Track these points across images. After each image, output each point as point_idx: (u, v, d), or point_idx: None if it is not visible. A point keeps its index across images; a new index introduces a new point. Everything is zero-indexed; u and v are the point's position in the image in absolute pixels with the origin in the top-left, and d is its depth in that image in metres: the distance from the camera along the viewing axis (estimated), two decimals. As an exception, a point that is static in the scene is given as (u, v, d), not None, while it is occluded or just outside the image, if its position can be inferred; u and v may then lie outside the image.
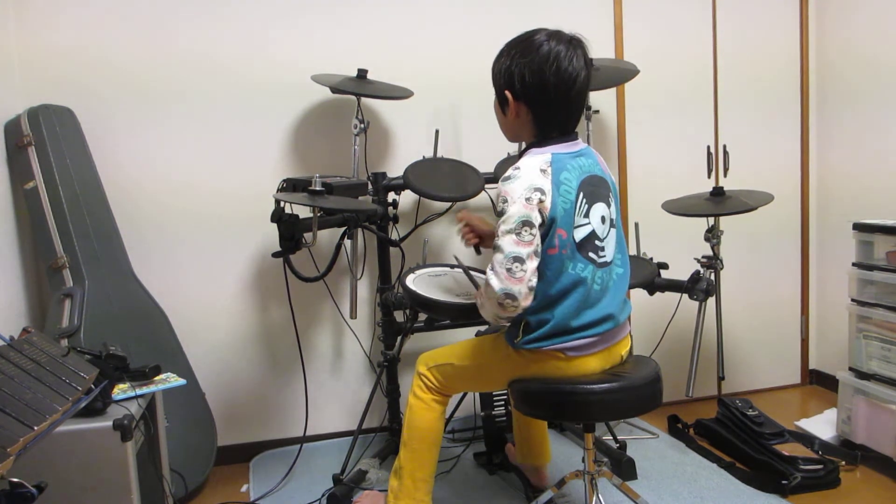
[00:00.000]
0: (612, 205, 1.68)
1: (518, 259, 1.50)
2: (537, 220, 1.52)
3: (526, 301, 1.53)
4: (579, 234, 1.59)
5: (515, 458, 2.27)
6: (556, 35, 1.61)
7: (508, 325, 1.70)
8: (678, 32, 2.91)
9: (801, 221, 3.13)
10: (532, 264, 1.52)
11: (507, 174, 1.58)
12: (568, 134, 1.66)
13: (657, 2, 2.87)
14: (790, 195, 3.09)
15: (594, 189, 1.63)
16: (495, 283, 1.51)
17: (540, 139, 1.65)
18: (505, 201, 1.54)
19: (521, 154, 1.68)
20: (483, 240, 1.93)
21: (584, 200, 1.60)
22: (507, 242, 1.52)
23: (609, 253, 1.66)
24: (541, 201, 1.53)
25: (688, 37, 2.92)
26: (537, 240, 1.53)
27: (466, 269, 2.04)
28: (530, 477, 2.22)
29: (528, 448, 2.18)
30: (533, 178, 1.54)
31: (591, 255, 1.61)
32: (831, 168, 3.02)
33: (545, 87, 1.59)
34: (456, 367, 1.83)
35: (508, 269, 1.51)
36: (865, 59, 2.80)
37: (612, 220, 1.67)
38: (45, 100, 2.31)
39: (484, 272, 2.10)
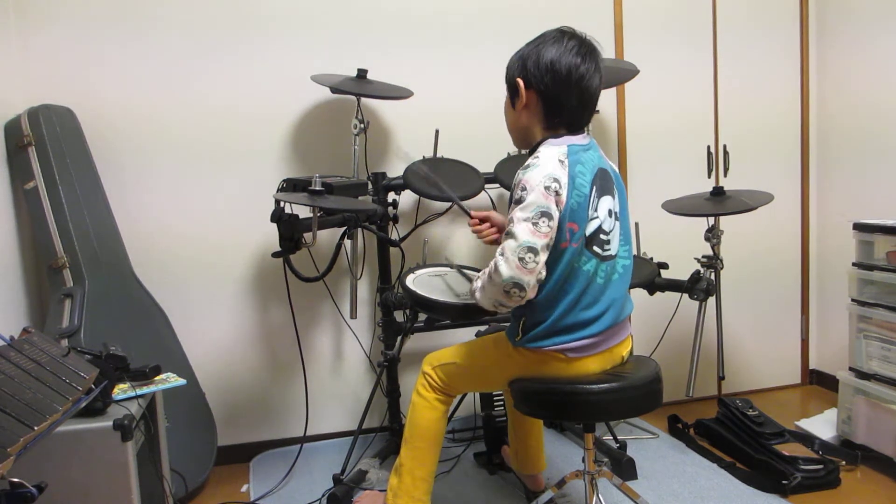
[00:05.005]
0: (617, 197, 1.68)
1: (532, 249, 1.48)
2: (555, 213, 1.51)
3: (532, 293, 1.52)
4: (589, 228, 1.59)
5: (511, 464, 2.27)
6: (570, 32, 1.63)
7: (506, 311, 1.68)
8: (678, 32, 2.91)
9: (802, 221, 3.13)
10: (544, 257, 1.51)
11: (526, 163, 1.57)
12: (576, 130, 1.65)
13: (657, 1, 2.87)
14: (791, 198, 3.10)
15: (603, 182, 1.63)
16: (504, 270, 1.48)
17: (548, 131, 1.64)
18: (524, 189, 1.52)
19: (535, 146, 1.66)
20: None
21: (596, 194, 1.60)
22: (523, 230, 1.49)
23: (614, 246, 1.65)
24: (557, 193, 1.52)
25: (688, 36, 2.92)
26: (552, 233, 1.52)
27: (460, 269, 2.04)
28: (527, 483, 2.21)
29: (525, 457, 2.17)
30: (552, 168, 1.54)
31: (597, 248, 1.61)
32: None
33: (557, 72, 1.58)
34: (459, 367, 1.83)
35: (521, 259, 1.48)
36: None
37: (616, 212, 1.66)
38: (46, 100, 2.31)
39: (478, 270, 2.11)
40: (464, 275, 2.01)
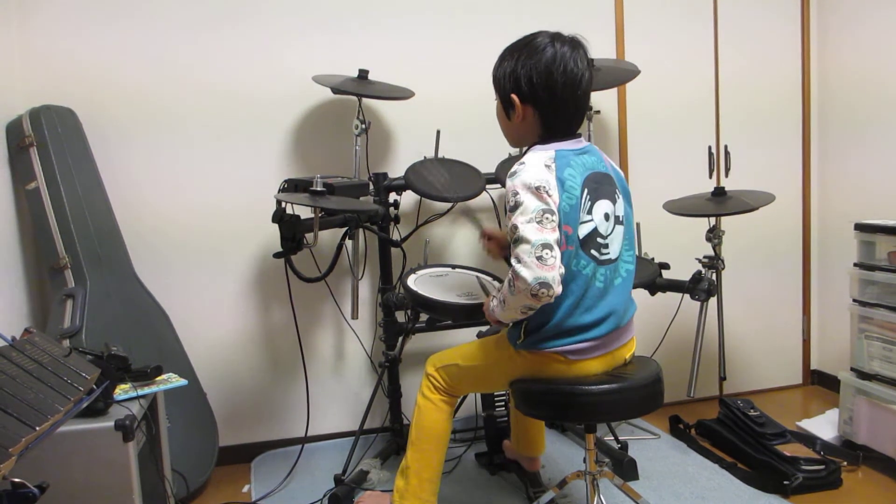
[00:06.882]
0: (619, 201, 1.67)
1: (547, 246, 1.47)
2: (555, 209, 1.51)
3: (558, 288, 1.49)
4: (582, 231, 1.58)
5: (512, 448, 2.28)
6: (559, 37, 1.62)
7: (509, 326, 1.70)
8: (679, 32, 2.90)
9: (803, 221, 3.12)
10: (559, 252, 1.50)
11: (513, 169, 1.57)
12: (571, 134, 1.65)
13: (658, 1, 2.87)
14: (792, 200, 3.10)
15: (598, 186, 1.62)
16: (527, 274, 1.45)
17: (544, 140, 1.64)
18: (516, 194, 1.52)
19: (523, 152, 1.68)
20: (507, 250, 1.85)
21: (588, 197, 1.59)
22: (531, 231, 1.48)
23: (614, 250, 1.64)
24: (548, 194, 1.52)
25: (689, 36, 2.92)
26: (558, 230, 1.51)
27: (480, 280, 2.04)
28: (524, 464, 2.25)
29: (525, 440, 2.20)
30: (537, 172, 1.54)
31: (594, 252, 1.60)
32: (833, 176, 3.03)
33: (553, 88, 1.58)
34: (461, 368, 1.83)
35: (539, 258, 1.46)
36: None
37: (617, 216, 1.65)
38: (47, 100, 2.31)
39: (478, 270, 2.12)
40: (482, 284, 2.02)
